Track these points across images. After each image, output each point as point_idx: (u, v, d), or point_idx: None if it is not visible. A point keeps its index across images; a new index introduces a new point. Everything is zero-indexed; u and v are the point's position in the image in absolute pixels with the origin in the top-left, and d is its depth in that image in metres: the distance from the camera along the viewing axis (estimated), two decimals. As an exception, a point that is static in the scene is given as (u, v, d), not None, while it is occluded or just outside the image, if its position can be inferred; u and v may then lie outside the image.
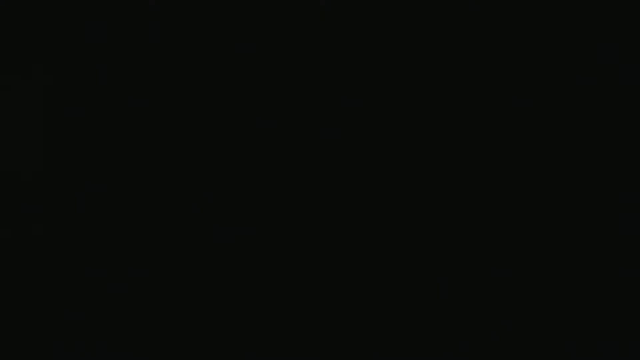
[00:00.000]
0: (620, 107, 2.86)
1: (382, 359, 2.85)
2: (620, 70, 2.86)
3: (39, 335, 2.87)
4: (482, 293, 2.86)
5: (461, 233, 2.88)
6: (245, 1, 2.93)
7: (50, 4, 2.93)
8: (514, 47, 2.89)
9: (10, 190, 2.91)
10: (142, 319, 2.88)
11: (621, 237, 2.84)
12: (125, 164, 2.92)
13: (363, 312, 2.87)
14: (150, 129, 2.92)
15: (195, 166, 2.91)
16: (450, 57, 2.90)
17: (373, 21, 2.91)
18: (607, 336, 2.82)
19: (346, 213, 2.90)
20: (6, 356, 2.85)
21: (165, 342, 2.87)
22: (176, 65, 2.92)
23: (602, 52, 2.86)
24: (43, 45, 2.93)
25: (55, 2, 2.93)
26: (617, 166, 2.86)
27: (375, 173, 2.90)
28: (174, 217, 2.90)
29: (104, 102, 2.93)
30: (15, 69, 2.94)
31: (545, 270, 2.85)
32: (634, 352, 2.81)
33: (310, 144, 2.91)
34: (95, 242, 2.90)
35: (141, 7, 2.92)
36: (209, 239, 2.89)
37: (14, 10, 2.93)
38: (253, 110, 2.92)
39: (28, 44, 2.94)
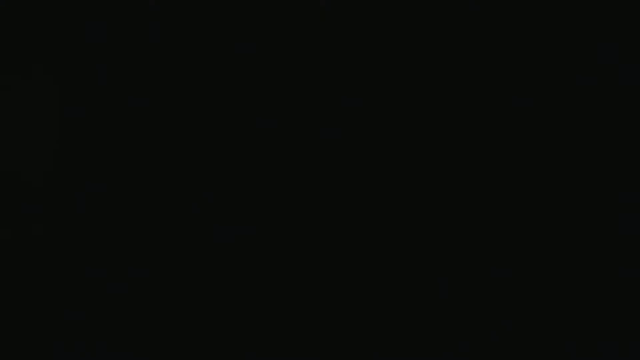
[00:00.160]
0: (620, 107, 2.86)
1: (382, 359, 2.85)
2: (620, 70, 2.86)
3: (39, 335, 2.87)
4: (482, 293, 2.86)
5: (461, 233, 2.88)
6: (245, 1, 2.93)
7: (50, 4, 2.93)
8: (514, 47, 2.89)
9: (10, 190, 2.91)
10: (142, 319, 2.88)
11: (621, 237, 2.84)
12: (126, 164, 2.92)
13: (363, 312, 2.87)
14: (150, 129, 2.92)
15: (195, 166, 2.91)
16: (451, 57, 2.90)
17: (373, 21, 2.91)
18: (607, 336, 2.82)
19: (346, 213, 2.90)
20: (6, 356, 2.85)
21: (165, 342, 2.87)
22: (176, 65, 2.92)
23: (602, 52, 2.86)
24: (43, 45, 2.93)
25: (55, 2, 2.93)
26: (617, 166, 2.86)
27: (375, 173, 2.90)
28: (174, 217, 2.90)
29: (104, 102, 2.93)
30: (15, 69, 2.94)
31: (545, 270, 2.85)
32: (634, 352, 2.81)
33: (310, 144, 2.91)
34: (95, 242, 2.90)
35: (141, 7, 2.92)
36: (209, 239, 2.89)
37: (14, 10, 2.93)
38: (253, 110, 2.92)
39: (28, 44, 2.94)
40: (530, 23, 2.88)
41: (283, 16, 2.92)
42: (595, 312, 2.83)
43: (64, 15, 2.93)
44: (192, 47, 2.92)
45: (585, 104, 2.87)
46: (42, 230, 2.91)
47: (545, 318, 2.84)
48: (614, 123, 2.86)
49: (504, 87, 2.89)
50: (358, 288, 2.88)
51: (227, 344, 2.87)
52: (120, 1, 2.93)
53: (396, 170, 2.90)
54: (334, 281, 2.89)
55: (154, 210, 2.91)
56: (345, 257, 2.89)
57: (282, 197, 2.91)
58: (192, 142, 2.92)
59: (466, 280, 2.86)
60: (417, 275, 2.88)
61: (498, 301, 2.85)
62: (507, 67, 2.89)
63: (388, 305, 2.87)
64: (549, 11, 2.88)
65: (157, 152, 2.92)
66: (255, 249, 2.89)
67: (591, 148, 2.87)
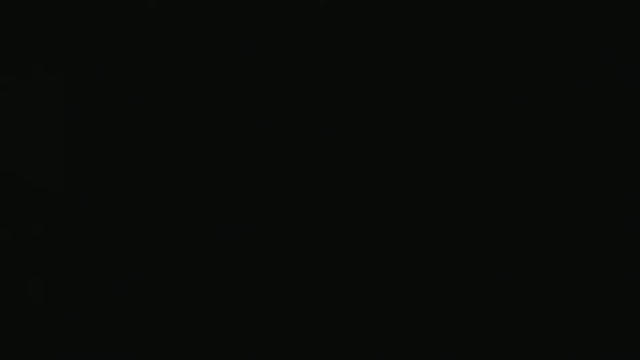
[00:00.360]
0: (620, 107, 2.86)
1: (382, 359, 2.85)
2: (620, 70, 2.86)
3: (39, 335, 2.87)
4: (482, 293, 2.86)
5: (461, 233, 2.87)
6: (245, 1, 2.92)
7: (50, 4, 2.93)
8: (514, 47, 2.89)
9: (10, 190, 2.91)
10: (142, 319, 2.88)
11: (621, 237, 2.84)
12: (125, 164, 2.92)
13: (363, 312, 2.87)
14: (150, 129, 2.92)
15: (195, 166, 2.91)
16: (451, 57, 2.90)
17: (373, 21, 2.91)
18: (607, 336, 2.82)
19: (346, 213, 2.89)
20: (6, 356, 2.85)
21: (165, 342, 2.87)
22: (176, 65, 2.92)
23: (602, 52, 2.86)
24: (43, 45, 2.93)
25: (55, 2, 2.93)
26: (617, 166, 2.86)
27: (376, 173, 2.90)
28: (174, 217, 2.90)
29: (104, 102, 2.93)
30: (15, 69, 2.94)
31: (545, 270, 2.85)
32: (634, 352, 2.81)
33: (310, 144, 2.91)
34: (95, 242, 2.90)
35: (141, 7, 2.92)
36: (209, 239, 2.89)
37: (14, 10, 2.93)
38: (253, 110, 2.92)
39: (28, 44, 2.94)
40: (530, 23, 2.88)
41: (283, 16, 2.92)
42: (595, 312, 2.83)
43: (64, 15, 2.93)
44: (192, 47, 2.92)
45: (585, 104, 2.87)
46: (42, 230, 2.91)
47: (545, 318, 2.84)
48: (614, 123, 2.86)
49: (504, 87, 2.89)
50: (358, 288, 2.88)
51: (227, 344, 2.87)
52: (120, 1, 2.93)
53: (396, 170, 2.90)
54: (334, 281, 2.88)
55: (154, 210, 2.91)
56: (345, 257, 2.89)
57: (282, 197, 2.90)
58: (192, 142, 2.92)
59: (466, 280, 2.86)
60: (417, 275, 2.87)
61: (498, 301, 2.85)
62: (507, 67, 2.89)
63: (388, 305, 2.87)
64: (548, 11, 2.88)
65: (157, 152, 2.91)
66: (255, 249, 2.89)
67: (591, 148, 2.87)
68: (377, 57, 2.91)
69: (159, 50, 2.92)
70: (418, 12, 2.91)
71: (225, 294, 2.88)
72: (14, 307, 2.89)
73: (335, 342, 2.87)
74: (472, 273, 2.86)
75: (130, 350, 2.87)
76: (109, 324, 2.87)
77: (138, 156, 2.92)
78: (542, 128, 2.88)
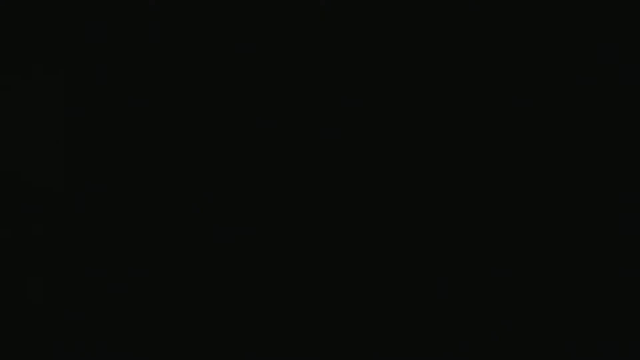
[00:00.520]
0: (620, 107, 2.86)
1: (382, 359, 2.85)
2: (620, 70, 2.86)
3: (39, 335, 2.87)
4: (482, 293, 2.86)
5: (461, 233, 2.87)
6: (245, 1, 2.92)
7: (50, 4, 2.93)
8: (514, 47, 2.89)
9: (10, 190, 2.91)
10: (142, 319, 2.88)
11: (621, 237, 2.84)
12: (125, 164, 2.92)
13: (363, 312, 2.87)
14: (150, 129, 2.92)
15: (195, 166, 2.91)
16: (451, 57, 2.90)
17: (373, 21, 2.91)
18: (607, 336, 2.82)
19: (346, 213, 2.89)
20: (6, 356, 2.85)
21: (165, 342, 2.87)
22: (176, 65, 2.92)
23: (602, 52, 2.86)
24: (43, 45, 2.93)
25: (55, 2, 2.93)
26: (617, 166, 2.86)
27: (376, 173, 2.90)
28: (174, 217, 2.90)
29: (104, 102, 2.93)
30: (14, 69, 2.94)
31: (545, 270, 2.85)
32: (634, 352, 2.81)
33: (310, 144, 2.91)
34: (95, 242, 2.90)
35: (141, 7, 2.92)
36: (209, 239, 2.89)
37: (14, 10, 2.93)
38: (253, 110, 2.92)
39: (28, 44, 2.94)
40: (530, 23, 2.88)
41: (283, 16, 2.92)
42: (595, 312, 2.83)
43: (64, 15, 2.93)
44: (192, 47, 2.92)
45: (585, 104, 2.87)
46: (42, 230, 2.91)
47: (545, 318, 2.84)
48: (614, 123, 2.86)
49: (504, 87, 2.88)
50: (358, 288, 2.88)
51: (227, 344, 2.87)
52: (120, 1, 2.93)
53: (396, 170, 2.90)
54: (334, 281, 2.88)
55: (154, 210, 2.91)
56: (345, 257, 2.89)
57: (282, 197, 2.90)
58: (192, 142, 2.92)
59: (466, 280, 2.86)
60: (417, 275, 2.87)
61: (498, 301, 2.85)
62: (507, 67, 2.89)
63: (388, 305, 2.87)
64: (548, 11, 2.88)
65: (157, 152, 2.91)
66: (255, 249, 2.89)
67: (591, 148, 2.87)
68: (377, 57, 2.91)
69: (159, 50, 2.92)
70: (418, 12, 2.91)
71: (226, 294, 2.88)
72: (14, 307, 2.89)
73: (335, 342, 2.87)
74: (472, 273, 2.86)
75: (130, 350, 2.87)
76: (109, 324, 2.87)
77: (138, 156, 2.92)
78: (542, 128, 2.88)
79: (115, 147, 2.92)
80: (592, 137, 2.87)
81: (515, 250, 2.86)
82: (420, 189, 2.89)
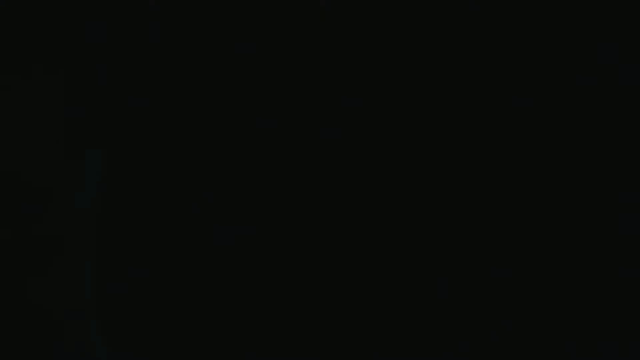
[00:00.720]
0: (620, 107, 2.86)
1: (382, 359, 2.85)
2: (620, 70, 2.86)
3: (39, 335, 2.87)
4: (482, 293, 2.86)
5: (461, 233, 2.88)
6: (245, 1, 2.92)
7: (50, 4, 2.93)
8: (514, 47, 2.89)
9: (10, 190, 2.91)
10: (142, 319, 2.88)
11: (621, 237, 2.84)
12: (125, 164, 2.92)
13: (363, 312, 2.87)
14: (150, 129, 2.92)
15: (195, 166, 2.91)
16: (450, 57, 2.90)
17: (373, 21, 2.91)
18: (607, 336, 2.82)
19: (346, 213, 2.89)
20: (6, 356, 2.85)
21: (165, 342, 2.87)
22: (176, 65, 2.92)
23: (602, 52, 2.86)
24: (43, 45, 2.93)
25: (55, 2, 2.93)
26: (617, 166, 2.86)
27: (376, 173, 2.90)
28: (174, 217, 2.90)
29: (104, 102, 2.93)
30: (14, 69, 2.94)
31: (545, 270, 2.85)
32: (634, 352, 2.81)
33: (310, 144, 2.91)
34: (94, 242, 2.90)
35: (141, 7, 2.92)
36: (209, 240, 2.89)
37: (14, 10, 2.93)
38: (253, 110, 2.92)
39: (28, 44, 2.94)
40: (530, 23, 2.88)
41: (283, 16, 2.92)
42: (595, 312, 2.83)
43: (64, 15, 2.93)
44: (192, 47, 2.92)
45: (585, 104, 2.87)
46: (42, 230, 2.90)
47: (545, 318, 2.84)
48: (614, 123, 2.86)
49: (504, 87, 2.89)
50: (358, 288, 2.88)
51: (227, 344, 2.87)
52: (120, 1, 2.93)
53: (396, 170, 2.90)
54: (333, 281, 2.88)
55: (153, 210, 2.90)
56: (345, 257, 2.89)
57: (282, 197, 2.90)
58: (191, 142, 2.92)
59: (466, 280, 2.86)
60: (417, 275, 2.87)
61: (498, 301, 2.85)
62: (507, 67, 2.89)
63: (388, 305, 2.87)
64: (548, 11, 2.88)
65: (157, 152, 2.91)
66: (256, 250, 2.89)
67: (591, 148, 2.87)
68: (377, 57, 2.91)
69: (159, 50, 2.92)
70: (418, 12, 2.90)
71: (226, 294, 2.88)
72: (14, 307, 2.88)
73: (336, 342, 2.86)
74: (472, 273, 2.86)
75: (130, 350, 2.87)
76: (108, 324, 2.87)
77: (138, 156, 2.92)
78: (542, 128, 2.88)
79: (115, 147, 2.92)
80: (592, 137, 2.87)
81: (515, 250, 2.86)
82: (420, 189, 2.89)
